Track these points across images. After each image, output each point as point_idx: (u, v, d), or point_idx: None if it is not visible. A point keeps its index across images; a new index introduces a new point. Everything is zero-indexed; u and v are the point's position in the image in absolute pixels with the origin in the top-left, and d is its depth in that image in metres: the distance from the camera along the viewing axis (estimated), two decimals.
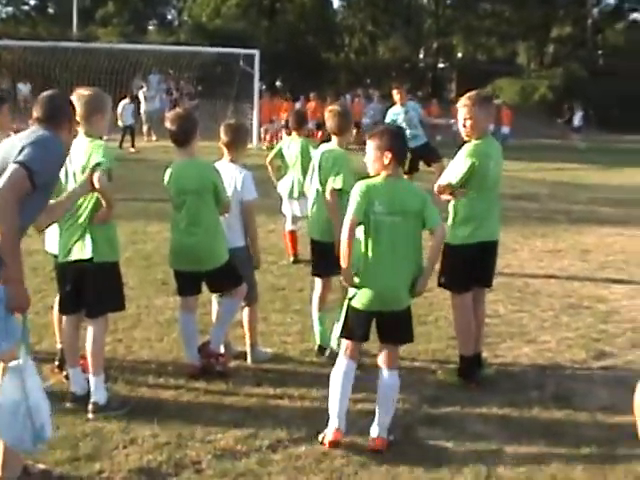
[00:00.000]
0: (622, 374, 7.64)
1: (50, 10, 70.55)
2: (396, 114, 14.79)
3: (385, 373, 6.01)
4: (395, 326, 6.00)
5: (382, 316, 5.95)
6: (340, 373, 6.01)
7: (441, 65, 72.97)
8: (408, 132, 12.47)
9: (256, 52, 31.85)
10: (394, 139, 5.94)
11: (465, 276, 7.29)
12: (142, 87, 34.68)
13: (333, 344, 7.61)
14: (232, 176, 7.37)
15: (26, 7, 70.78)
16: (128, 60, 34.25)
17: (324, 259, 7.54)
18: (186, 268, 7.21)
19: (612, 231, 15.60)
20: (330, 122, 7.82)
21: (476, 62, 73.05)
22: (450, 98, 57.24)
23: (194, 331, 7.39)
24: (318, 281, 7.97)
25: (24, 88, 36.93)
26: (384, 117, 16.35)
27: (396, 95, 15.01)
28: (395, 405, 6.07)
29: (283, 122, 31.94)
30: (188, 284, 7.33)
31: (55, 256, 6.61)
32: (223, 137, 7.50)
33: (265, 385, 7.08)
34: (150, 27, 73.07)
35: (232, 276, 7.25)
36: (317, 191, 7.80)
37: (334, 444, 5.90)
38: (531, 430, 6.34)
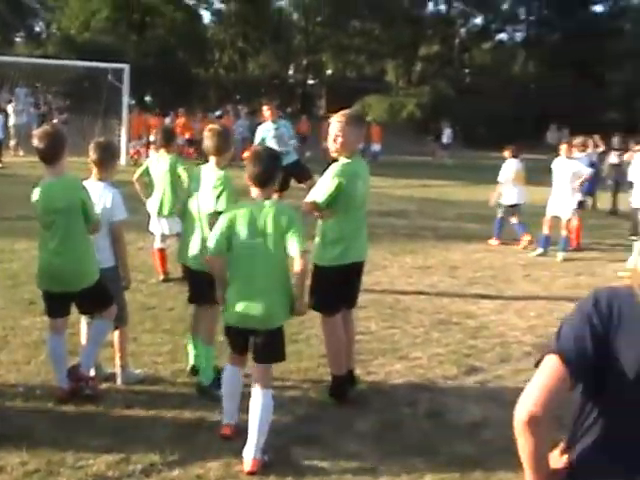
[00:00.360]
0: (493, 389, 7.80)
1: None
2: (267, 131, 14.72)
3: (258, 393, 5.98)
4: (266, 345, 6.00)
5: (254, 334, 5.99)
6: (225, 378, 6.35)
7: (311, 82, 73.48)
8: (279, 149, 12.38)
9: (125, 67, 31.35)
10: (260, 162, 6.06)
11: (334, 298, 7.30)
12: (10, 101, 33.89)
13: (202, 376, 7.49)
14: (101, 195, 7.22)
15: None
16: None
17: (200, 288, 7.20)
18: (55, 289, 7.03)
19: (479, 247, 15.91)
20: (208, 142, 7.39)
21: (345, 79, 73.88)
22: (319, 114, 57.73)
23: (63, 353, 7.19)
24: (193, 305, 7.83)
25: None
26: (253, 133, 16.26)
27: (266, 112, 14.92)
28: (269, 425, 6.03)
29: (152, 138, 31.71)
30: (57, 305, 7.12)
31: None
32: (92, 155, 7.32)
33: (136, 407, 6.94)
34: (17, 39, 71.53)
35: (102, 297, 7.10)
36: (192, 214, 7.46)
37: (224, 437, 6.28)
38: (405, 447, 6.38)
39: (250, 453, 5.85)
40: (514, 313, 10.80)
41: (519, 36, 74.90)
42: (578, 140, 17.38)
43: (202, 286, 6.84)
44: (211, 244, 6.07)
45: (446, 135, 42.82)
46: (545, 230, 15.38)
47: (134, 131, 32.83)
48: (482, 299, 11.49)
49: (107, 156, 7.44)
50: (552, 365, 2.76)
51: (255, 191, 6.04)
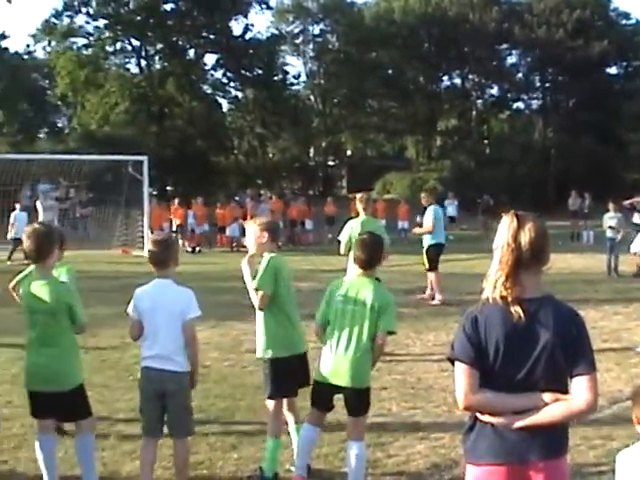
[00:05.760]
0: None
1: None
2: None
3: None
4: None
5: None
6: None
7: (331, 163, 73.99)
8: None
9: (144, 158, 31.59)
10: (365, 248, 7.09)
11: None
12: (32, 197, 34.04)
13: None
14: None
15: None
16: (16, 169, 33.51)
17: None
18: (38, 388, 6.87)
19: None
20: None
21: (366, 158, 74.58)
22: (341, 195, 58.01)
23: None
24: None
25: None
26: None
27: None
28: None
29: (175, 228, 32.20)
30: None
31: None
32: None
33: None
34: (40, 135, 72.66)
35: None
36: None
37: None
38: None
39: None
40: None
41: (535, 103, 75.25)
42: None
43: None
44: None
45: (452, 208, 42.15)
46: None
47: (155, 222, 32.92)
48: None
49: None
50: (459, 366, 4.21)
51: (359, 271, 7.04)
